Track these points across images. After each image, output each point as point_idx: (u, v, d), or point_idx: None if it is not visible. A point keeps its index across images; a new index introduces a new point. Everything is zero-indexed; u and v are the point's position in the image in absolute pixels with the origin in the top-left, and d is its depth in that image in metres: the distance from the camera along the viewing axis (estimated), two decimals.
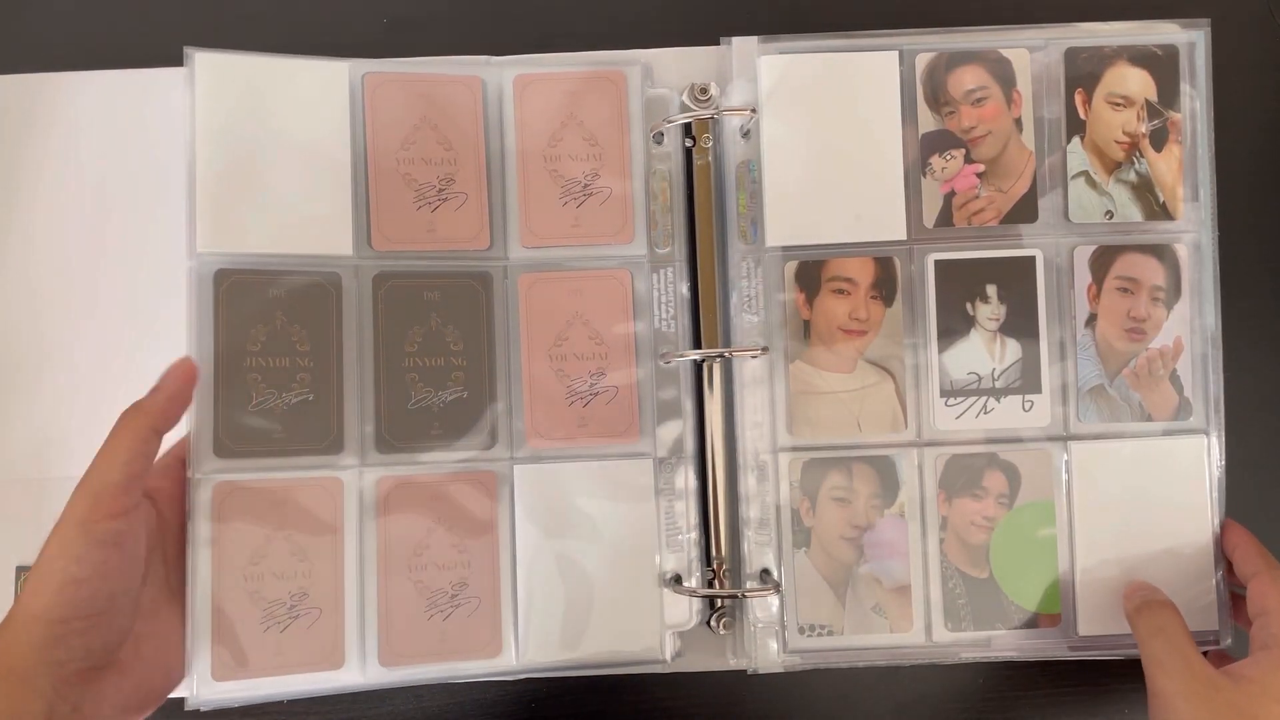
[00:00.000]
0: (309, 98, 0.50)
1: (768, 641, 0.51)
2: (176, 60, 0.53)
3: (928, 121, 0.51)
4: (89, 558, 0.41)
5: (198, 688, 0.46)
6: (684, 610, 0.51)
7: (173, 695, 0.46)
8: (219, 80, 0.49)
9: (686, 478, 0.51)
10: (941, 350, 0.51)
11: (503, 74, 0.52)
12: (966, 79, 0.52)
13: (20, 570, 0.53)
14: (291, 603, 0.48)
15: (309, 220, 0.50)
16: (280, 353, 0.49)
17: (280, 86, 0.50)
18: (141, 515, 0.44)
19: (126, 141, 0.54)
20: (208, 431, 0.48)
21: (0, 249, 0.54)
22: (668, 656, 0.51)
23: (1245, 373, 0.54)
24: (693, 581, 0.51)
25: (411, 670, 0.49)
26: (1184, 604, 0.48)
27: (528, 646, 0.50)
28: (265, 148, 0.50)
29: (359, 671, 0.49)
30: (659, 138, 0.52)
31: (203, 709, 0.47)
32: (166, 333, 0.53)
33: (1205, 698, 0.44)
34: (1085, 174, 0.51)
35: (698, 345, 0.52)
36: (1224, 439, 0.51)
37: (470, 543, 0.50)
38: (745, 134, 0.52)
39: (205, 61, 0.49)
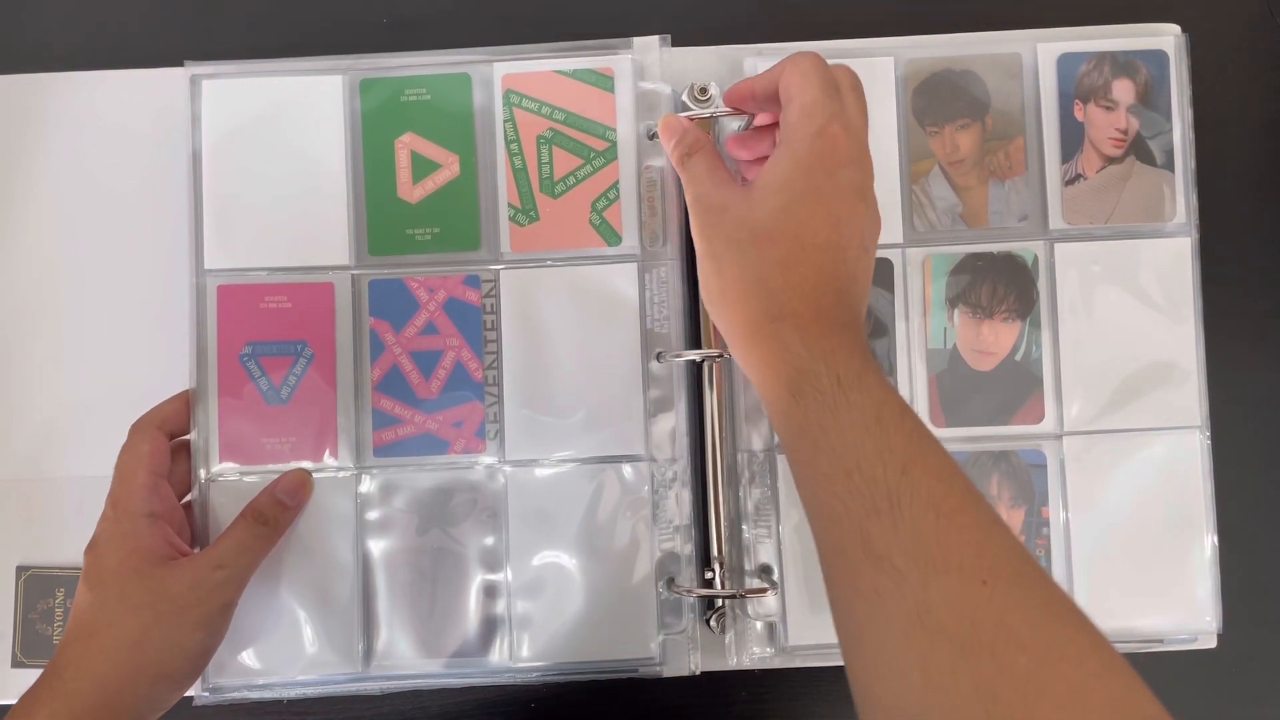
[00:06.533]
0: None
1: (769, 639, 0.51)
2: (176, 60, 0.53)
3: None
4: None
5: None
6: (679, 611, 0.51)
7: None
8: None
9: (678, 478, 0.51)
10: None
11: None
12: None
13: (20, 570, 0.53)
14: None
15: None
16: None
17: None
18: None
19: (126, 142, 0.54)
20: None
21: None
22: (662, 659, 0.51)
23: (1242, 373, 0.55)
24: (688, 582, 0.51)
25: None
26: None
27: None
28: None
29: None
30: (654, 136, 0.53)
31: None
32: (165, 334, 0.53)
33: (717, 227, 0.40)
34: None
35: (695, 344, 0.52)
36: (1211, 436, 0.51)
37: None
38: None
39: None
